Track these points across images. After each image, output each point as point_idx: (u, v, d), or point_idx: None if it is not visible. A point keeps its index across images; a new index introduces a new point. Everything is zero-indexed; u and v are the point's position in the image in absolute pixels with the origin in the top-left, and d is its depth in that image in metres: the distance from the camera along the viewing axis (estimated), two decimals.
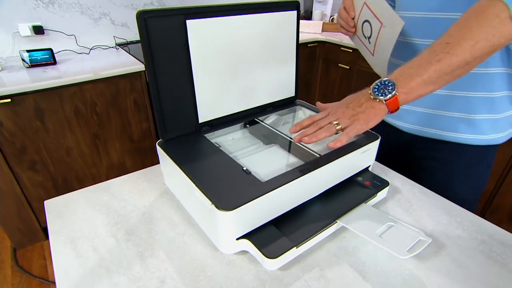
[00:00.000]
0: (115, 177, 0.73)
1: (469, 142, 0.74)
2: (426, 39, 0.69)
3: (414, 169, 0.82)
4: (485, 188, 0.83)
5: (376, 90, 0.52)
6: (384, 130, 0.82)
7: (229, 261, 0.53)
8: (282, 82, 0.78)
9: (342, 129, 0.52)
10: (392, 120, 0.83)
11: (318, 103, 0.63)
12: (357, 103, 0.54)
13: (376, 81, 0.53)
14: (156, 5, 2.07)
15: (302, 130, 0.55)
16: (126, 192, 0.69)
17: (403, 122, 0.81)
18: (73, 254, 0.54)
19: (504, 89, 0.69)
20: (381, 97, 0.51)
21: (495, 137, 0.74)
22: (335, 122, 0.52)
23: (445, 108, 0.73)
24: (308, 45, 2.26)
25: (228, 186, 0.51)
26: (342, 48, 2.16)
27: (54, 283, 1.46)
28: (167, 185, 0.71)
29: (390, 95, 0.50)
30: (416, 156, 0.83)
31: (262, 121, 0.74)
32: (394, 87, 0.51)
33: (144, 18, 0.53)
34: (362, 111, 0.52)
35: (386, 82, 0.51)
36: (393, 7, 0.89)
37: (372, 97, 0.52)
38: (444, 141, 0.76)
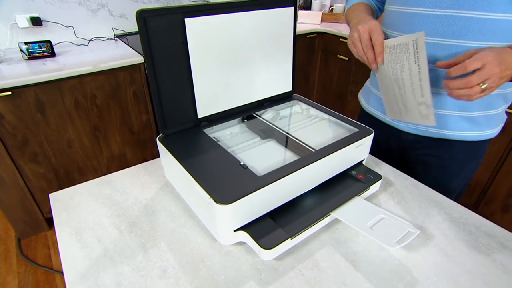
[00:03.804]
0: (116, 168, 0.75)
1: (469, 138, 0.76)
2: (433, 37, 0.66)
3: (410, 167, 0.84)
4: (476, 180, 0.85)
5: None
6: (383, 133, 0.83)
7: (227, 252, 0.56)
8: (279, 77, 0.80)
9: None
10: (393, 121, 0.82)
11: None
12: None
13: None
14: None
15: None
16: (127, 185, 0.71)
17: (404, 123, 0.80)
18: (78, 245, 0.57)
19: (500, 87, 0.70)
20: None
21: (490, 132, 0.76)
22: (483, 86, 0.57)
23: (446, 108, 0.73)
24: (307, 36, 2.25)
25: (226, 181, 0.53)
26: (341, 39, 2.15)
27: (58, 272, 1.51)
28: (167, 178, 0.73)
29: None
30: (415, 155, 0.84)
31: (259, 116, 0.76)
32: None
33: (144, 17, 0.54)
34: None
35: None
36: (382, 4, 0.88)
37: None
38: (445, 139, 0.77)
